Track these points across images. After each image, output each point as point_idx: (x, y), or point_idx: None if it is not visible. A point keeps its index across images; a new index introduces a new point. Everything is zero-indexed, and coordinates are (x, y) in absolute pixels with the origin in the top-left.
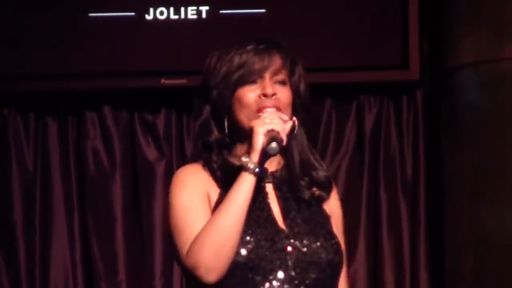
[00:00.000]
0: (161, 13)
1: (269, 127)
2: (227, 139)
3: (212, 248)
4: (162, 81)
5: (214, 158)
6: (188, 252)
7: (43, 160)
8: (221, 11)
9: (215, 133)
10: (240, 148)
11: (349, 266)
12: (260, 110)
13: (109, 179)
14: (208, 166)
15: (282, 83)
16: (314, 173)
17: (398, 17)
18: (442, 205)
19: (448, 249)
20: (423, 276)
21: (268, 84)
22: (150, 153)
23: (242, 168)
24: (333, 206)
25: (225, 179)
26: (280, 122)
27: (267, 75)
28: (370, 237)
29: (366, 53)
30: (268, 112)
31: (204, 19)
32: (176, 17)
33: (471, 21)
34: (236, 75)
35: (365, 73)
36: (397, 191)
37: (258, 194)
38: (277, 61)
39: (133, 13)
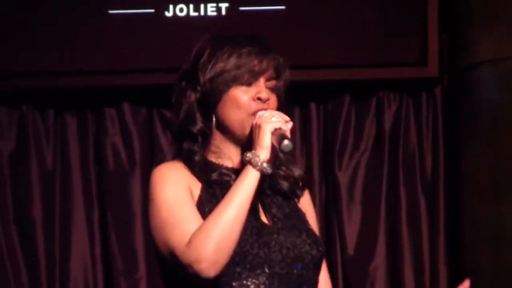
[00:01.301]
0: (181, 10)
1: (277, 126)
2: (209, 134)
3: (216, 243)
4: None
5: (196, 149)
6: (189, 245)
7: (62, 157)
8: (241, 8)
9: (199, 124)
10: (220, 146)
11: (368, 262)
12: (254, 113)
13: (128, 176)
14: (188, 159)
15: (273, 89)
16: (288, 166)
17: (417, 14)
18: (461, 201)
19: (467, 245)
20: (442, 271)
21: (263, 88)
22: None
23: (248, 163)
24: (306, 205)
25: (205, 175)
26: (284, 122)
27: (262, 79)
28: (390, 233)
29: (385, 50)
30: (269, 111)
31: (223, 16)
32: (196, 14)
33: (489, 18)
34: (233, 74)
35: (384, 70)
36: (416, 187)
37: None
38: (272, 67)
39: (153, 10)
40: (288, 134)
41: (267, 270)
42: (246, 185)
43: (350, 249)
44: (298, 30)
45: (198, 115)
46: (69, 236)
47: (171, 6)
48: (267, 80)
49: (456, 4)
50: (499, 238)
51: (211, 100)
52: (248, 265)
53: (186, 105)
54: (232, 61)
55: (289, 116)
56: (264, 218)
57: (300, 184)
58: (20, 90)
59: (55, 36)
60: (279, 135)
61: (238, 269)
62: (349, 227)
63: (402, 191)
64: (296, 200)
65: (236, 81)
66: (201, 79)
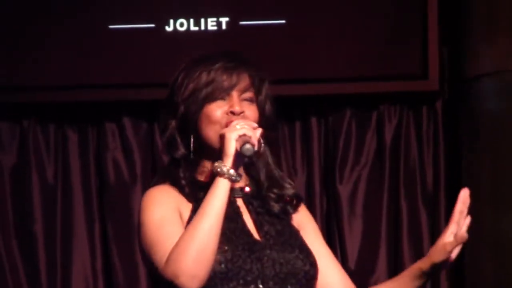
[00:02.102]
0: (181, 24)
1: (240, 132)
2: (192, 156)
3: (192, 255)
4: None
5: (181, 174)
6: (167, 261)
7: (63, 171)
8: (241, 22)
9: (181, 150)
10: (206, 165)
11: (369, 275)
12: (227, 124)
13: (129, 189)
14: (176, 183)
15: (250, 101)
16: (281, 190)
17: (417, 27)
18: None
19: (468, 257)
20: (444, 285)
21: (236, 101)
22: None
23: (216, 173)
24: (303, 218)
25: (194, 195)
26: (251, 128)
27: (234, 93)
28: (391, 247)
29: (385, 63)
30: (237, 120)
31: (224, 30)
32: (196, 28)
33: (490, 31)
34: (204, 92)
35: (384, 83)
36: (418, 201)
37: (230, 208)
38: (245, 79)
39: (153, 25)
40: (253, 139)
41: (260, 286)
42: (217, 195)
43: (351, 262)
44: (299, 44)
45: (179, 140)
46: (70, 250)
47: (171, 21)
48: (242, 92)
49: (457, 16)
50: (501, 248)
51: (188, 122)
52: (241, 281)
53: (167, 132)
54: (202, 80)
55: (282, 127)
56: (256, 235)
57: (294, 202)
58: (21, 104)
59: (56, 51)
60: (242, 142)
61: (231, 285)
62: (350, 240)
63: (403, 204)
64: (290, 218)
65: (208, 98)
66: (177, 103)
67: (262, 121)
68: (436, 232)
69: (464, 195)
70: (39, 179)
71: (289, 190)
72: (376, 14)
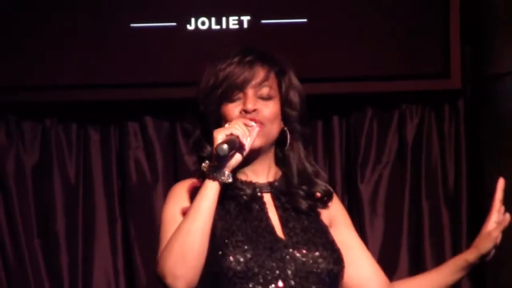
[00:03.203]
0: (203, 23)
1: (228, 132)
2: None
3: (176, 255)
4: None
5: None
6: (157, 263)
7: (85, 171)
8: (263, 21)
9: (207, 148)
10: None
11: (391, 275)
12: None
13: (151, 189)
14: (202, 179)
15: (266, 97)
16: (311, 186)
17: (439, 26)
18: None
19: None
20: (465, 284)
21: (249, 99)
22: (192, 162)
23: (206, 174)
24: (335, 212)
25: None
26: (243, 127)
27: (249, 90)
28: (412, 246)
29: (407, 62)
30: (235, 119)
31: (245, 29)
32: (218, 27)
33: None
34: (219, 91)
35: (406, 82)
36: (439, 200)
37: (255, 204)
38: (260, 74)
39: (174, 23)
40: (242, 139)
41: (280, 285)
42: (204, 195)
43: None
44: (320, 43)
45: (204, 139)
46: (92, 249)
47: (193, 19)
48: (257, 89)
49: (479, 15)
50: None
51: (209, 121)
52: (261, 280)
53: (195, 134)
54: (219, 78)
55: (309, 124)
56: (280, 233)
57: (325, 199)
58: (43, 104)
59: (78, 50)
60: (225, 140)
61: (250, 285)
62: (372, 240)
63: (425, 204)
64: (319, 214)
65: (224, 97)
66: (198, 102)
67: (288, 114)
68: (457, 231)
69: (501, 183)
70: (61, 178)
71: (320, 187)
72: (397, 13)
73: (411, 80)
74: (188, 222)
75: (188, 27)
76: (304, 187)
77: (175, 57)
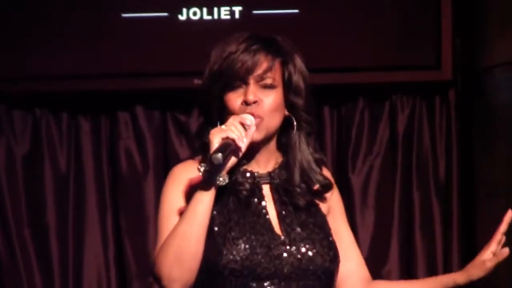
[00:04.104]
0: (194, 13)
1: (224, 135)
2: None
3: (172, 258)
4: (195, 81)
5: None
6: (153, 264)
7: (76, 160)
8: (254, 11)
9: None
10: None
11: (381, 266)
12: None
13: (142, 179)
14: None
15: (269, 86)
16: (311, 175)
17: (431, 17)
18: (475, 206)
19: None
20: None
21: (251, 90)
22: (183, 153)
23: (202, 177)
24: (333, 203)
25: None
26: (240, 128)
27: (251, 80)
28: (403, 238)
29: (398, 53)
30: (232, 117)
31: (237, 19)
32: (209, 17)
33: (504, 21)
34: (222, 80)
35: (397, 73)
36: (430, 192)
37: (255, 197)
38: (263, 64)
39: (166, 14)
40: (238, 142)
41: (277, 282)
42: (200, 199)
43: (363, 252)
44: (311, 34)
45: (207, 127)
46: (82, 240)
47: (184, 10)
48: (260, 79)
49: (470, 7)
50: None
51: (212, 109)
52: (257, 278)
53: (200, 119)
54: (222, 66)
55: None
56: (277, 229)
57: (323, 192)
58: (34, 94)
59: (69, 40)
60: (221, 145)
61: (245, 281)
62: (362, 231)
63: (416, 195)
64: (317, 205)
65: (226, 86)
66: (203, 91)
67: (293, 102)
68: (448, 223)
69: (508, 217)
70: (51, 168)
71: (319, 180)
72: (389, 4)
73: (402, 71)
74: (184, 225)
75: (180, 17)
76: (302, 185)
77: (166, 48)
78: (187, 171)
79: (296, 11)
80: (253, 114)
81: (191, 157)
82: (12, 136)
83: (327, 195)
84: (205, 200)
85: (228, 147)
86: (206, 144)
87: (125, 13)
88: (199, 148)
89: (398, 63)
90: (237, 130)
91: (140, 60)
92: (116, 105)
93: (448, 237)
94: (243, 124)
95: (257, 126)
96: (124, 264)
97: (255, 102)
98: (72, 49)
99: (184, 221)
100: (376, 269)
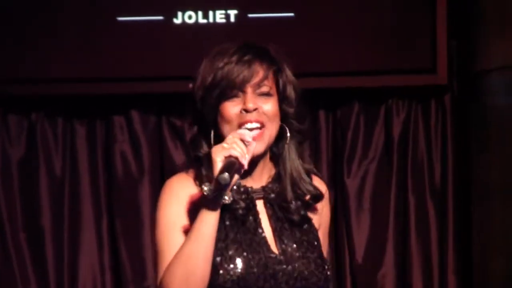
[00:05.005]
0: (190, 17)
1: (227, 154)
2: None
3: (180, 279)
4: (190, 85)
5: (204, 172)
6: (160, 282)
7: (71, 164)
8: (250, 15)
9: (204, 148)
10: None
11: (377, 269)
12: (241, 125)
13: (137, 183)
14: (198, 180)
15: (266, 94)
16: (302, 186)
17: (426, 21)
18: (470, 208)
19: (477, 253)
20: (451, 279)
21: (250, 98)
22: (178, 157)
23: (205, 197)
24: (324, 216)
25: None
26: (241, 145)
27: (248, 89)
28: (398, 241)
29: (394, 57)
30: (232, 134)
31: (232, 23)
32: (205, 21)
33: (499, 25)
34: (218, 90)
35: (393, 77)
36: (425, 195)
37: (249, 215)
38: (259, 73)
39: (161, 17)
40: (241, 160)
41: None
42: (205, 220)
43: (359, 256)
44: (307, 38)
45: (201, 138)
46: (78, 244)
47: (179, 13)
48: (257, 87)
49: (466, 11)
50: (509, 244)
51: (206, 120)
52: None
53: (192, 132)
54: (217, 76)
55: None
56: (273, 247)
57: (312, 202)
58: (29, 98)
59: (64, 43)
60: (225, 165)
61: None
62: (358, 235)
63: (411, 199)
64: (310, 219)
65: (222, 95)
66: (195, 100)
67: (286, 111)
68: (444, 226)
69: None
70: (47, 172)
71: (310, 192)
72: (385, 8)
73: (398, 75)
74: (191, 246)
75: (175, 21)
76: (297, 201)
77: (161, 51)
78: (183, 186)
79: (292, 14)
80: (256, 121)
81: (183, 168)
82: (8, 140)
83: (319, 206)
84: (211, 220)
85: (233, 165)
86: (201, 159)
87: (121, 16)
88: (193, 160)
89: (394, 67)
90: (239, 147)
91: (135, 64)
92: (111, 109)
93: (444, 240)
94: (243, 141)
95: (259, 136)
96: (120, 268)
97: (255, 109)
98: (67, 53)
99: (190, 241)
100: (372, 272)
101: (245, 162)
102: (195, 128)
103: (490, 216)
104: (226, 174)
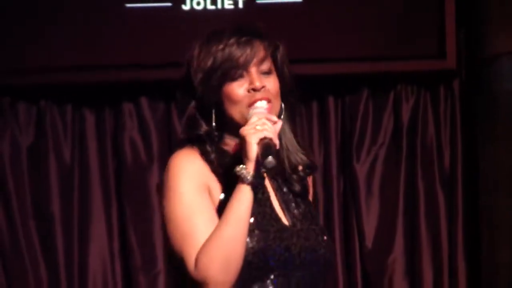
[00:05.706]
0: (198, 3)
1: (261, 135)
2: (215, 132)
3: (221, 263)
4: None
5: (209, 148)
6: (196, 266)
7: (80, 152)
8: (258, 1)
9: (204, 126)
10: (230, 138)
11: (387, 254)
12: (251, 104)
13: (146, 170)
14: (205, 156)
15: (268, 72)
16: (297, 156)
17: (435, 7)
18: (479, 194)
19: (485, 238)
20: (461, 265)
21: (255, 77)
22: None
23: (239, 179)
24: (310, 190)
25: (224, 170)
26: (271, 125)
27: (252, 68)
28: (408, 226)
29: (403, 43)
30: (256, 115)
31: (241, 9)
32: (213, 7)
33: (508, 10)
34: (220, 71)
35: (402, 63)
36: (435, 181)
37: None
38: (260, 52)
39: (170, 4)
40: (275, 140)
41: (286, 273)
42: (241, 200)
43: (369, 242)
44: (315, 24)
45: (200, 118)
46: (87, 231)
47: (188, 0)
48: (259, 65)
49: None
50: None
51: (208, 101)
52: (268, 268)
53: (187, 112)
54: (218, 57)
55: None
56: (284, 219)
57: (306, 171)
58: (38, 86)
59: (72, 31)
60: (263, 147)
61: (258, 273)
62: (368, 220)
63: (420, 185)
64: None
65: (226, 77)
66: (194, 83)
67: (283, 89)
68: (453, 212)
69: None
70: (56, 160)
71: (303, 161)
72: None
73: (407, 61)
74: (227, 229)
75: (183, 7)
76: (294, 176)
77: (170, 38)
78: (193, 163)
79: (300, 0)
80: (265, 99)
81: (184, 144)
82: (17, 128)
83: (310, 181)
84: (246, 201)
85: (271, 147)
86: (202, 136)
87: (129, 3)
88: (194, 139)
89: (402, 52)
90: (270, 128)
91: (144, 50)
92: (120, 96)
93: (453, 226)
94: (269, 120)
95: (269, 112)
96: (129, 254)
97: (263, 87)
98: (76, 40)
99: (228, 224)
100: (382, 257)
101: (277, 142)
102: (191, 110)
103: (497, 202)
104: (270, 158)
